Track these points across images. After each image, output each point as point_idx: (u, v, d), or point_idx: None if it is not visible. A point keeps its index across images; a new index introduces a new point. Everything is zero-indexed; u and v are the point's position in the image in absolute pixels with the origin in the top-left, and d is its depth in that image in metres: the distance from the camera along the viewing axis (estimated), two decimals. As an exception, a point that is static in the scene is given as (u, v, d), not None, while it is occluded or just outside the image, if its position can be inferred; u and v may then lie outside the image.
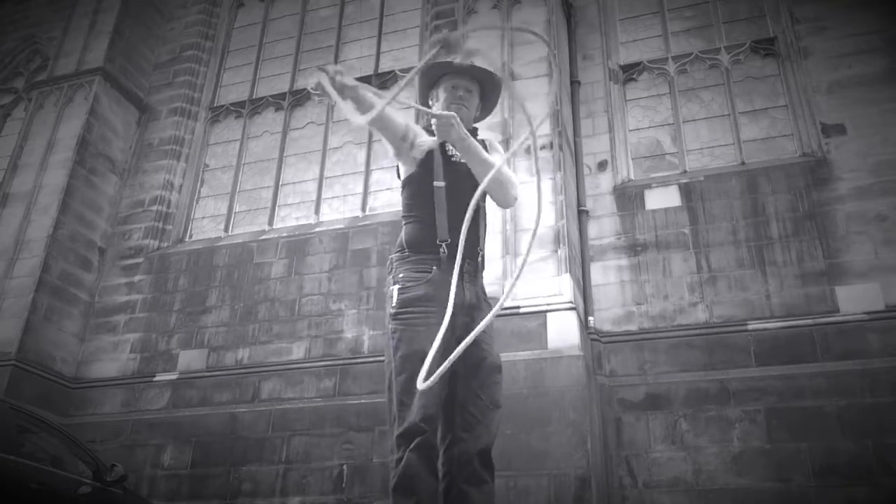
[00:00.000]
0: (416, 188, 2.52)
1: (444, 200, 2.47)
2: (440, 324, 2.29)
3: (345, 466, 7.91)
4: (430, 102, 2.73)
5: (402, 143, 2.55)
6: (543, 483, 6.44)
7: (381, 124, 2.54)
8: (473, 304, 2.43)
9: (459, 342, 2.34)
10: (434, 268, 2.41)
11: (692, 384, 7.43)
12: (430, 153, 2.56)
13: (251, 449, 8.38)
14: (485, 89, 2.71)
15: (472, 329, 2.33)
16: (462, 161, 2.55)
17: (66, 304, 9.82)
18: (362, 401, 8.22)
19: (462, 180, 2.52)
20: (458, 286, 2.34)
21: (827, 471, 6.70)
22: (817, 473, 6.71)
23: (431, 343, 2.27)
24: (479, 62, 2.65)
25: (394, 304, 2.42)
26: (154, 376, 9.38)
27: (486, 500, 2.30)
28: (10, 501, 3.78)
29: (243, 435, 8.50)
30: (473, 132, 2.68)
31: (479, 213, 2.51)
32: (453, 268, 2.35)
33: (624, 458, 7.37)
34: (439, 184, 2.49)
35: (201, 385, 9.10)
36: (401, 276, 2.46)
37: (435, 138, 2.52)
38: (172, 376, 9.30)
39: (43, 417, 5.07)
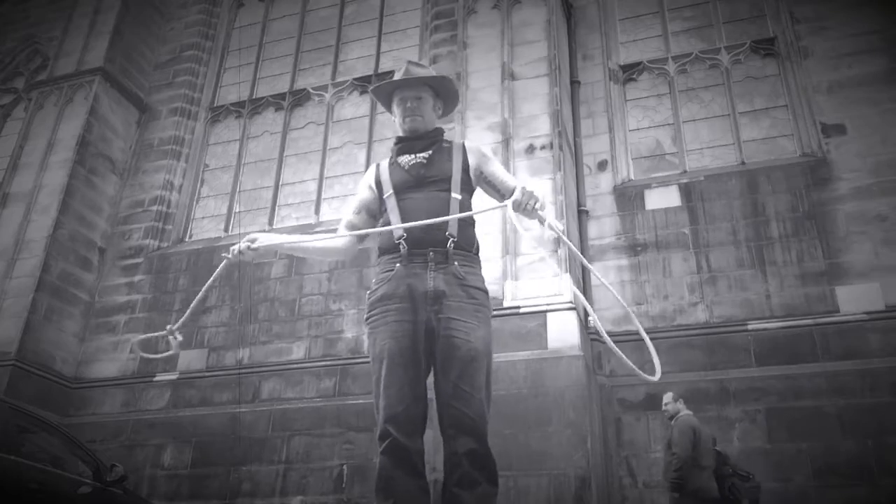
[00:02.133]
0: (382, 206, 2.66)
1: (395, 203, 2.56)
2: (398, 320, 2.37)
3: (345, 466, 7.91)
4: (393, 119, 2.86)
5: (374, 193, 2.74)
6: (543, 483, 6.44)
7: (370, 207, 2.76)
8: (441, 292, 2.39)
9: (430, 331, 2.39)
10: (397, 265, 2.46)
11: (692, 384, 7.42)
12: (384, 174, 2.70)
13: (251, 449, 8.38)
14: (436, 88, 2.74)
15: (442, 317, 2.37)
16: (412, 163, 2.64)
17: (66, 304, 9.82)
18: (362, 401, 8.22)
19: (411, 179, 2.61)
20: (422, 275, 2.41)
21: (827, 471, 6.70)
22: (817, 473, 6.71)
23: (390, 340, 2.36)
24: (420, 70, 2.75)
25: (365, 312, 2.54)
26: (154, 376, 9.38)
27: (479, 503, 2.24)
28: (10, 501, 3.78)
29: (243, 435, 8.50)
30: (437, 133, 2.75)
31: (449, 204, 2.53)
32: (415, 260, 2.43)
33: (624, 458, 7.37)
34: (388, 193, 2.61)
35: (201, 385, 9.10)
36: (373, 279, 2.56)
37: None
38: (172, 376, 9.30)
39: (43, 417, 5.07)
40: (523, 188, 2.41)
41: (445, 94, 2.80)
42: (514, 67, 8.92)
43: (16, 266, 9.67)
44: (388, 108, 2.85)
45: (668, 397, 5.85)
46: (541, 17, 9.16)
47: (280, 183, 10.76)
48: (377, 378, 2.38)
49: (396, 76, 2.75)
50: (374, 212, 2.74)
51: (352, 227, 2.75)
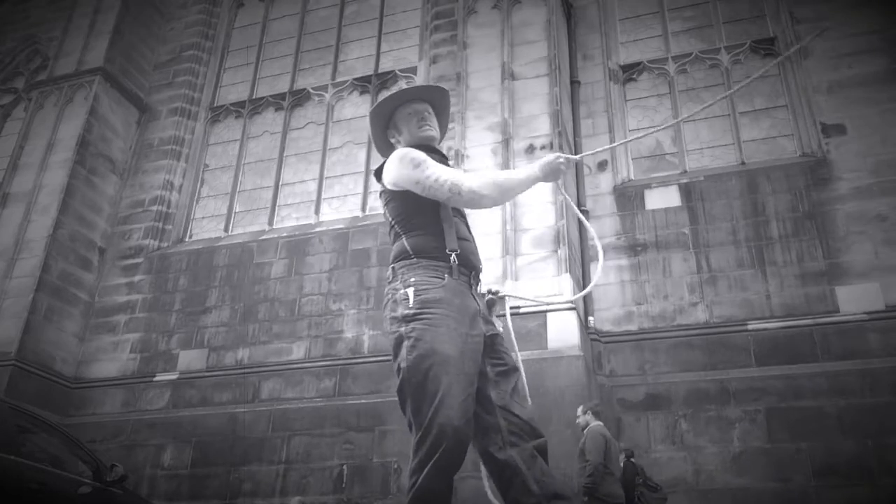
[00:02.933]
0: (417, 203, 2.52)
1: (449, 212, 2.51)
2: (458, 329, 2.27)
3: (345, 466, 7.91)
4: (392, 141, 2.76)
5: None
6: (543, 483, 6.43)
7: None
8: (484, 314, 2.46)
9: (485, 347, 2.38)
10: (446, 275, 2.38)
11: (692, 384, 7.43)
12: None
13: (251, 449, 8.38)
14: (436, 109, 2.75)
15: (489, 335, 2.41)
16: None
17: (66, 304, 9.82)
18: (362, 401, 8.22)
19: None
20: (468, 294, 2.40)
21: (827, 471, 6.70)
22: (817, 473, 6.71)
23: (451, 346, 2.23)
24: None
25: (411, 305, 2.34)
26: (154, 376, 9.38)
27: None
28: (10, 501, 3.78)
29: (243, 435, 8.50)
30: (441, 153, 2.71)
31: (472, 234, 2.61)
32: (462, 277, 2.40)
33: (624, 458, 7.37)
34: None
35: (201, 385, 9.10)
36: (413, 279, 2.39)
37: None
38: (172, 376, 9.30)
39: (43, 417, 5.07)
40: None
41: (441, 112, 2.78)
42: (514, 67, 8.92)
43: (16, 266, 9.68)
44: (383, 134, 2.77)
45: (579, 410, 6.18)
46: (541, 17, 9.16)
47: (280, 183, 10.76)
48: (436, 381, 2.18)
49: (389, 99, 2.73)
50: None
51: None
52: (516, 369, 2.43)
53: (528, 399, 2.51)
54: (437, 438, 2.11)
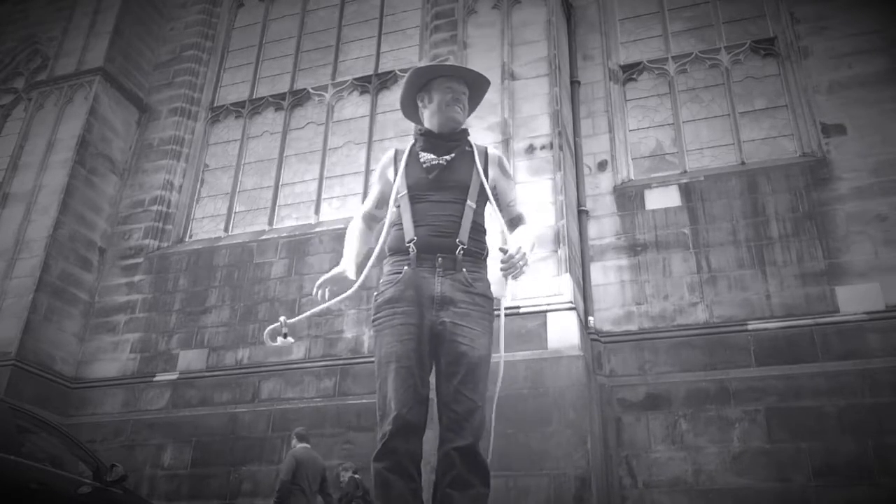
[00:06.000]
0: (395, 200, 2.65)
1: (408, 204, 2.56)
2: (404, 323, 2.37)
3: (345, 466, 7.89)
4: (419, 104, 2.77)
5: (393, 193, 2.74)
6: (543, 483, 6.44)
7: (387, 198, 2.76)
8: (447, 298, 2.42)
9: (435, 335, 2.39)
10: (405, 267, 2.47)
11: (692, 384, 7.43)
12: (401, 167, 2.68)
13: (251, 449, 8.38)
14: (472, 92, 2.76)
15: (447, 322, 2.39)
16: (433, 163, 2.62)
17: (66, 303, 9.82)
18: (362, 401, 8.22)
19: (429, 182, 2.60)
20: (430, 279, 2.43)
21: (827, 471, 6.70)
22: (817, 473, 6.71)
23: (394, 344, 2.35)
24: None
25: (372, 311, 2.53)
26: (154, 376, 9.38)
27: None
28: (10, 501, 3.78)
29: (243, 435, 8.50)
30: (464, 135, 2.73)
31: (463, 212, 2.54)
32: (425, 264, 2.44)
33: (624, 458, 7.37)
34: (402, 193, 2.60)
35: (201, 385, 9.10)
36: (380, 282, 2.55)
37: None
38: (172, 376, 9.30)
39: (43, 417, 5.07)
40: (520, 248, 2.44)
41: (476, 98, 2.79)
42: (514, 67, 8.92)
43: (16, 266, 9.68)
44: (414, 94, 2.76)
45: (292, 434, 7.09)
46: (541, 17, 9.16)
47: (280, 183, 10.76)
48: (382, 380, 2.37)
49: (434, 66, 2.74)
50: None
51: (371, 218, 2.80)
52: (476, 357, 2.38)
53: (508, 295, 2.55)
54: (384, 426, 2.30)
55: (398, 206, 2.60)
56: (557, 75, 8.68)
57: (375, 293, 2.54)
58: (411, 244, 2.47)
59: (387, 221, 2.68)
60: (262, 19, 12.42)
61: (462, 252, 2.47)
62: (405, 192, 2.59)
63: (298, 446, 6.83)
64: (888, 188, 7.85)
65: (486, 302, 2.52)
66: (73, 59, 11.44)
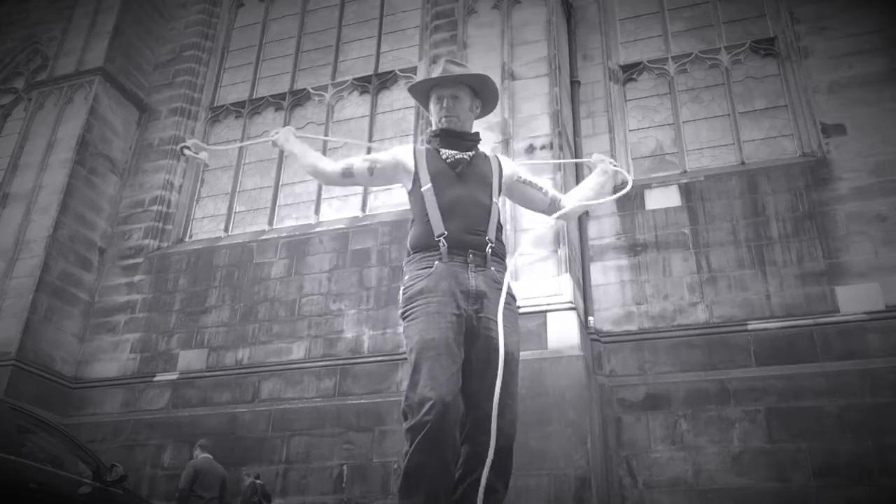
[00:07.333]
0: (411, 197, 2.63)
1: (433, 199, 2.52)
2: (440, 311, 2.31)
3: (345, 466, 7.90)
4: (430, 117, 2.82)
5: (400, 173, 2.70)
6: (543, 483, 6.44)
7: (381, 175, 2.74)
8: (482, 293, 2.41)
9: (471, 330, 2.35)
10: (436, 262, 2.43)
11: (692, 384, 7.43)
12: (421, 161, 2.65)
13: (251, 449, 8.38)
14: (474, 87, 2.73)
15: (482, 316, 2.37)
16: (457, 157, 2.60)
17: (65, 303, 9.82)
18: (362, 401, 8.22)
19: (453, 175, 2.59)
20: (462, 274, 2.40)
21: (827, 471, 6.70)
22: (817, 473, 6.71)
23: (433, 331, 2.28)
24: (458, 69, 2.73)
25: (401, 304, 2.45)
26: (154, 376, 9.38)
27: None
28: (10, 501, 3.78)
29: (243, 435, 8.50)
30: (477, 137, 2.73)
31: (490, 208, 2.56)
32: (456, 259, 2.40)
33: (624, 458, 7.37)
34: (426, 187, 2.56)
35: (201, 385, 9.10)
36: (406, 277, 2.49)
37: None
38: (172, 376, 9.29)
39: (43, 417, 5.07)
40: (603, 159, 2.99)
41: (485, 92, 2.76)
42: (514, 67, 8.92)
43: (16, 266, 9.68)
44: (426, 106, 2.80)
45: (196, 445, 7.56)
46: (541, 17, 9.16)
47: (280, 183, 10.76)
48: (418, 367, 2.25)
49: (434, 73, 2.72)
50: (383, 179, 2.76)
51: (353, 171, 2.72)
52: (508, 354, 2.30)
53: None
54: (421, 414, 2.16)
55: (419, 200, 2.54)
56: (557, 75, 8.68)
57: (402, 287, 2.47)
58: (442, 238, 2.44)
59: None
60: (262, 19, 12.42)
61: (491, 249, 2.48)
62: (429, 184, 2.55)
63: (200, 456, 7.33)
64: (888, 188, 7.85)
65: (514, 301, 2.53)
66: (73, 59, 11.45)
